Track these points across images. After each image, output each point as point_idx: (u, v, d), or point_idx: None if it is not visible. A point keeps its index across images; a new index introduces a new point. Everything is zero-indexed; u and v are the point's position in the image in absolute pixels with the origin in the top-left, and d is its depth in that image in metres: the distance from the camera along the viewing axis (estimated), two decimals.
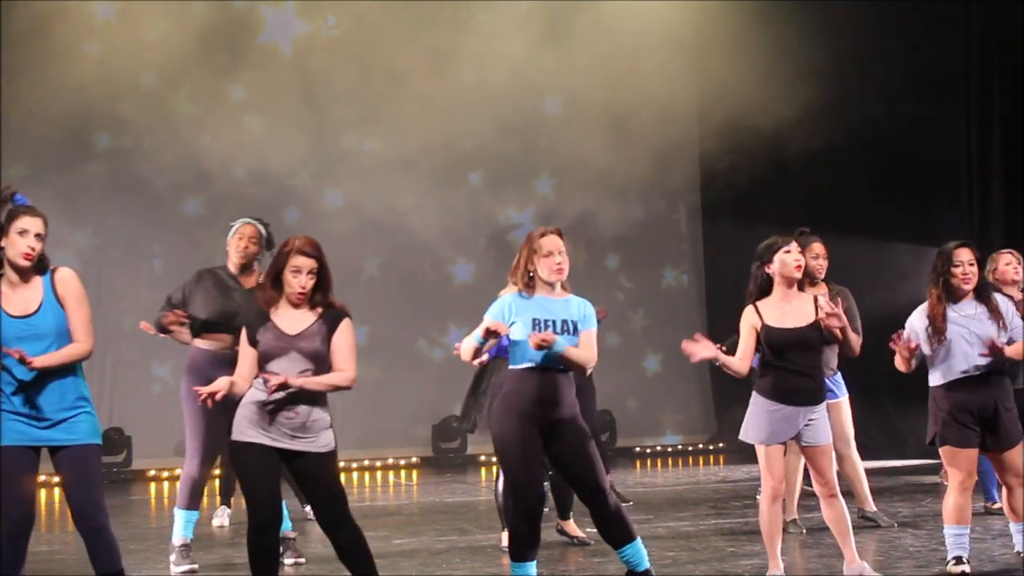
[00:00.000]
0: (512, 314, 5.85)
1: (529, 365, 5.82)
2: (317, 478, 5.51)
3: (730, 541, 7.86)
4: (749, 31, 12.48)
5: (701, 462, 13.11)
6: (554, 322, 5.83)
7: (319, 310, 5.54)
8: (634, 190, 13.34)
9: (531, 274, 5.90)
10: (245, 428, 5.45)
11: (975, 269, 6.44)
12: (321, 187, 13.00)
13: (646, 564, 5.95)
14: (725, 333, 13.95)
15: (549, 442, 5.85)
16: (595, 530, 7.75)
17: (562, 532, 7.87)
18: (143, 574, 7.28)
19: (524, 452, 5.81)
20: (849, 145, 12.45)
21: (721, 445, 13.63)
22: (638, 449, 13.75)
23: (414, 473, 12.54)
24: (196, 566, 7.19)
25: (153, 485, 11.81)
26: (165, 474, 12.06)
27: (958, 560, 6.52)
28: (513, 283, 5.99)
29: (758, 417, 6.32)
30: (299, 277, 5.49)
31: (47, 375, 5.16)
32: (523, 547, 5.94)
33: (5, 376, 5.16)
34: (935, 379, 6.48)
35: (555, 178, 13.63)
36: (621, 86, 12.69)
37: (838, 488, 6.43)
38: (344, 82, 12.70)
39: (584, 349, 5.89)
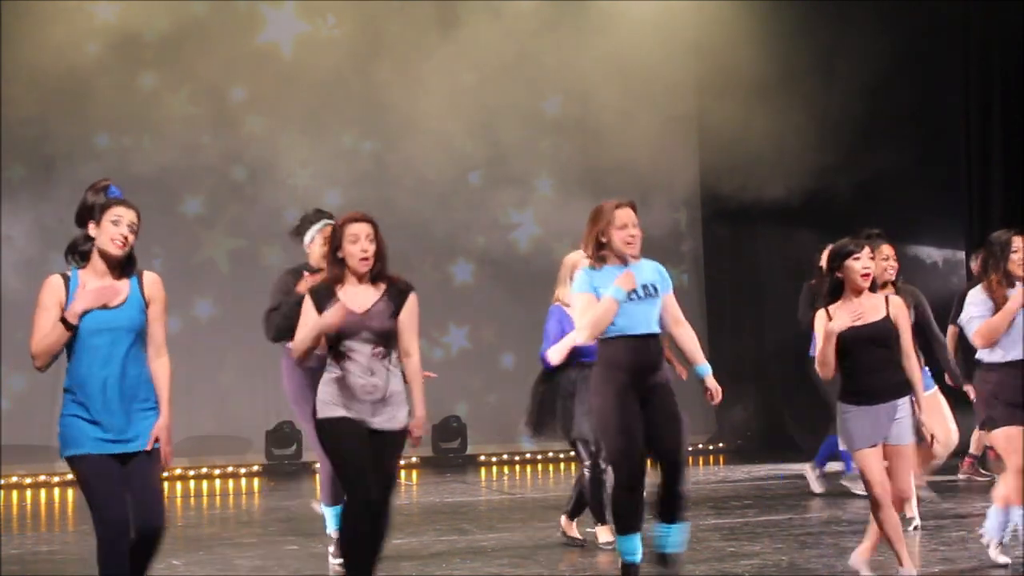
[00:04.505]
0: (595, 282, 5.89)
1: (620, 334, 5.84)
2: (384, 456, 5.52)
3: (730, 541, 7.86)
4: (750, 30, 12.47)
5: (701, 462, 13.11)
6: (636, 288, 5.86)
7: (383, 286, 5.57)
8: (634, 190, 13.27)
9: (603, 245, 5.93)
10: (329, 406, 5.47)
11: None
12: (321, 187, 12.98)
13: (673, 549, 5.94)
14: (725, 333, 14.09)
15: (644, 405, 5.88)
16: (593, 530, 7.78)
17: (563, 531, 7.86)
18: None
19: (623, 425, 5.84)
20: (848, 146, 12.43)
21: (721, 445, 13.62)
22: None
23: (414, 473, 12.54)
24: None
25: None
26: (165, 474, 12.05)
27: (999, 544, 6.57)
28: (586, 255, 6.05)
29: (842, 424, 6.21)
30: (359, 243, 5.55)
31: (120, 381, 5.09)
32: (627, 519, 5.95)
33: (75, 381, 5.08)
34: (994, 358, 6.53)
35: (555, 178, 13.62)
36: (621, 86, 12.67)
37: (911, 493, 6.40)
38: (344, 82, 12.69)
39: (674, 310, 6.01)
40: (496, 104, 12.67)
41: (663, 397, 5.88)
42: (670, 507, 5.92)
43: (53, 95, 11.73)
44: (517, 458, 13.37)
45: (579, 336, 5.99)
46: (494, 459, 13.23)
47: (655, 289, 5.92)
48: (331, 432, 5.48)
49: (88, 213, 5.22)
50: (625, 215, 5.92)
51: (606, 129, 12.68)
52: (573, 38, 12.70)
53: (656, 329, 5.90)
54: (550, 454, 13.47)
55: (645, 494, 6.03)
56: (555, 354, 7.31)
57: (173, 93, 12.60)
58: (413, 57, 12.47)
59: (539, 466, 13.13)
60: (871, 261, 6.27)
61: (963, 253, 12.81)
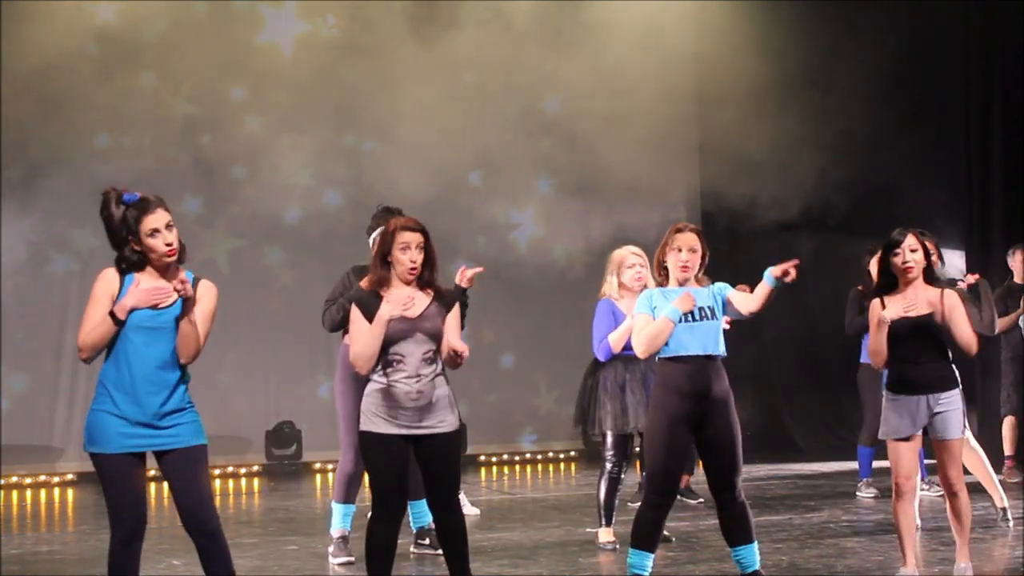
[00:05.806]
0: (654, 303, 5.95)
1: (674, 354, 5.88)
2: (437, 458, 5.53)
3: None
4: (749, 34, 12.47)
5: (700, 462, 13.09)
6: (693, 310, 5.90)
7: (430, 293, 5.61)
8: (633, 191, 13.31)
9: (665, 266, 6.02)
10: (372, 418, 5.50)
11: None
12: (321, 187, 12.99)
13: (756, 566, 5.98)
14: (725, 333, 14.04)
15: (699, 429, 5.91)
16: (594, 530, 7.78)
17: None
18: (142, 574, 7.27)
19: (667, 449, 5.89)
20: (847, 148, 12.43)
21: None
22: (638, 448, 13.71)
23: None
24: (353, 558, 7.26)
25: (153, 485, 11.82)
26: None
27: None
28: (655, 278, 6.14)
29: (884, 412, 6.28)
30: (408, 252, 5.61)
31: (157, 381, 5.06)
32: (646, 535, 5.98)
33: (110, 376, 5.07)
34: None
35: (555, 178, 13.62)
36: (621, 86, 12.67)
37: (962, 486, 6.28)
38: (344, 82, 12.69)
39: (740, 296, 5.98)
40: (495, 106, 12.67)
41: (720, 418, 5.91)
42: (732, 529, 5.98)
43: (52, 95, 11.73)
44: (517, 458, 13.37)
45: (636, 351, 6.04)
46: (494, 459, 13.22)
47: (711, 312, 5.95)
48: (371, 447, 5.53)
49: (124, 230, 5.13)
50: (683, 239, 5.98)
51: (606, 129, 12.68)
52: (573, 38, 12.69)
53: (713, 351, 5.92)
54: (550, 454, 13.48)
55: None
56: (615, 342, 7.37)
57: (172, 93, 12.60)
58: (412, 57, 12.46)
59: (539, 466, 13.13)
60: (911, 254, 6.29)
61: (963, 253, 12.82)
